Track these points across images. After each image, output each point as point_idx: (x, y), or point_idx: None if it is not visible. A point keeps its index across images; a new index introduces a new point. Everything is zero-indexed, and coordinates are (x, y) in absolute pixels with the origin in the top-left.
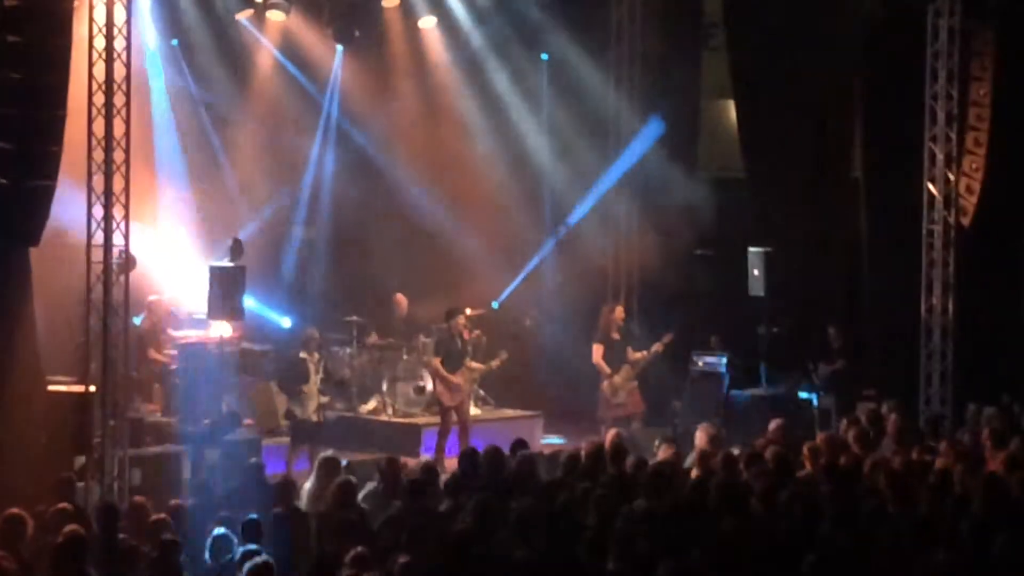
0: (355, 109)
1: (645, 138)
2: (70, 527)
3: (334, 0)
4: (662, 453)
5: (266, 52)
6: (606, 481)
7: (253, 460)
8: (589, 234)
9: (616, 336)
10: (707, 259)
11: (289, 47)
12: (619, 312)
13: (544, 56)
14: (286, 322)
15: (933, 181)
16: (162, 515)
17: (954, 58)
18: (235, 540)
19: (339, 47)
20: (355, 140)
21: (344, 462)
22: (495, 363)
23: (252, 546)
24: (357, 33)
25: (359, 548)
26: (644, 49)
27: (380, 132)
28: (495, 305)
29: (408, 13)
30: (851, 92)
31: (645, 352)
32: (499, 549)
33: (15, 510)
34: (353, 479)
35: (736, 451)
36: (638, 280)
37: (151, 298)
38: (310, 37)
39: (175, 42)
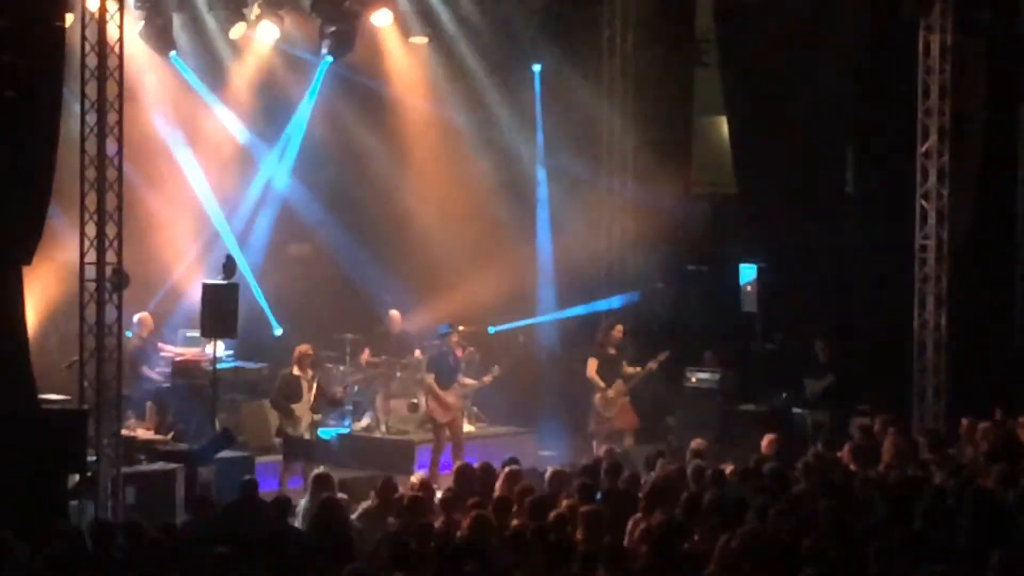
0: (348, 125)
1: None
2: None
3: (326, 16)
4: (661, 469)
5: (258, 65)
6: (600, 497)
7: (247, 478)
8: (582, 249)
9: (612, 352)
10: (700, 275)
11: (281, 60)
12: (618, 330)
13: (536, 67)
14: (278, 331)
15: (925, 197)
16: (158, 536)
17: (946, 74)
18: None
19: (327, 60)
20: (348, 156)
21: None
22: (488, 378)
23: None
24: (350, 49)
25: (353, 565)
26: (636, 65)
27: (373, 148)
28: (492, 330)
29: (401, 30)
30: (843, 108)
31: (640, 368)
32: (494, 565)
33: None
34: (344, 497)
35: (730, 467)
36: (631, 296)
37: (138, 315)
38: (302, 51)
39: (174, 55)
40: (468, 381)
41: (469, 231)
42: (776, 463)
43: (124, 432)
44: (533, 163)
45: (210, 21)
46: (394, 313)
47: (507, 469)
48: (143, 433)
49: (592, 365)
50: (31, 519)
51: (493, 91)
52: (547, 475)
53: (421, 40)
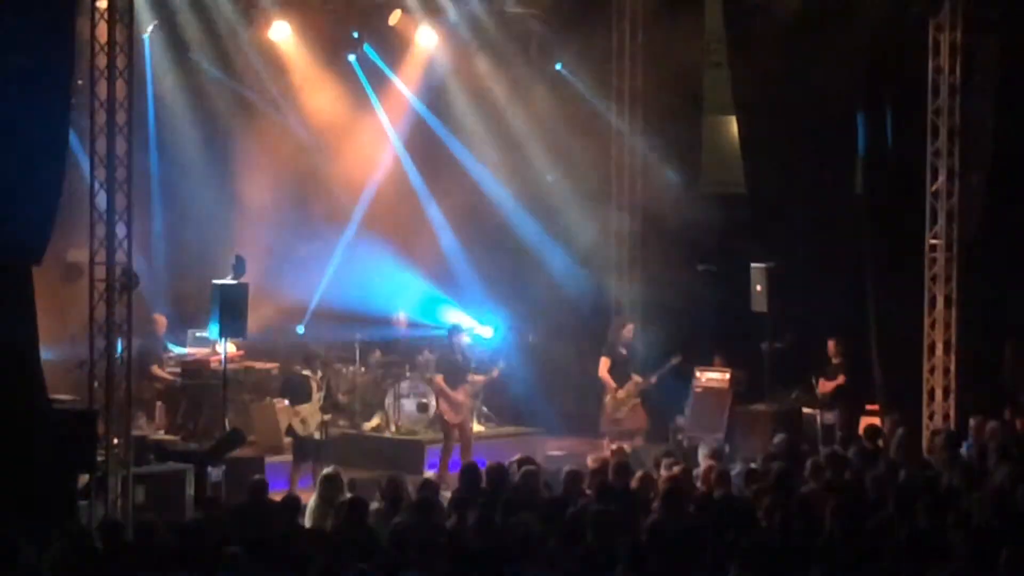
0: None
1: None
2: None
3: (339, 14)
4: (666, 471)
5: (272, 62)
6: (611, 497)
7: (256, 478)
8: (592, 249)
9: (623, 352)
10: (709, 275)
11: (297, 60)
12: (628, 329)
13: (559, 66)
14: (300, 329)
15: (935, 196)
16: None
17: (956, 73)
18: None
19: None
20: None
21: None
22: (495, 372)
23: None
24: (363, 46)
25: (362, 565)
26: (645, 65)
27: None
28: (491, 329)
29: (412, 27)
30: (853, 107)
31: (654, 379)
32: (505, 565)
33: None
34: (364, 498)
35: (738, 467)
36: (640, 296)
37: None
38: (317, 51)
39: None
40: (477, 378)
41: (475, 230)
42: (785, 463)
43: (134, 432)
44: (540, 159)
45: (222, 21)
46: (401, 314)
47: (523, 469)
48: (153, 433)
49: (604, 365)
50: (40, 519)
51: (503, 87)
52: (562, 475)
53: (432, 39)
